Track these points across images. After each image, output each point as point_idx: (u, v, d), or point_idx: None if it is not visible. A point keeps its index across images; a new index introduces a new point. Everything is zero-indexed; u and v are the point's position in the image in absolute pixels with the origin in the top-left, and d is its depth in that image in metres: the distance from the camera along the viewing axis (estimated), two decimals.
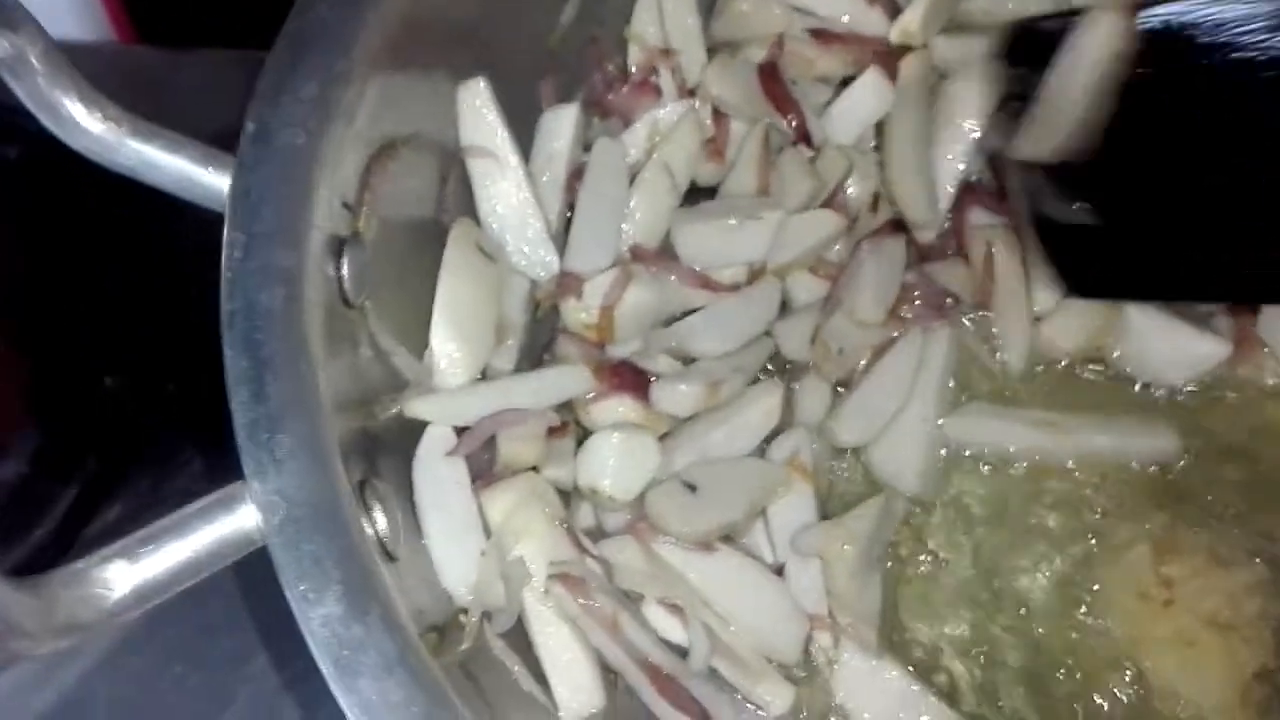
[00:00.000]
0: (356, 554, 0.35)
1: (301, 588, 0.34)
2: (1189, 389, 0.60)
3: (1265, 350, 0.60)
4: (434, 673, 0.34)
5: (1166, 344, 0.59)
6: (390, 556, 0.39)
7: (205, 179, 0.42)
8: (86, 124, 0.42)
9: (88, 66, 0.47)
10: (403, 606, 0.36)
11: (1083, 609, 0.56)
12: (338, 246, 0.44)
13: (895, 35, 0.64)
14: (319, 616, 0.34)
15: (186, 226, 0.75)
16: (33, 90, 0.41)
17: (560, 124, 0.61)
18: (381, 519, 0.40)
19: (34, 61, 0.40)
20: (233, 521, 0.35)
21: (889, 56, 0.64)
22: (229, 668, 0.63)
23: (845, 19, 0.65)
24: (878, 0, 0.65)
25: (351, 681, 0.33)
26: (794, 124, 0.63)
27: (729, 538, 0.55)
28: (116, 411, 0.72)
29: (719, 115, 0.64)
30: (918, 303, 0.61)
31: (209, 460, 0.70)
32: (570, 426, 0.55)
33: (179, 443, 0.72)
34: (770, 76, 0.64)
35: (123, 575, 0.33)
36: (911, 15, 0.63)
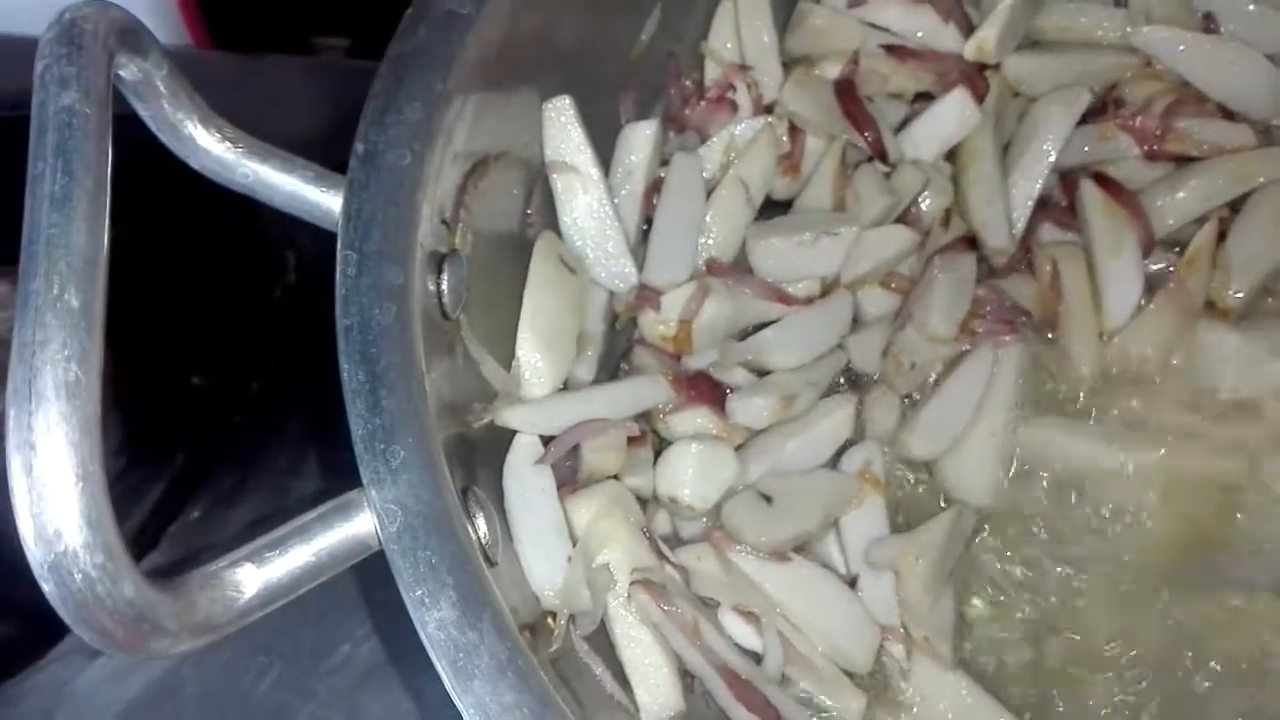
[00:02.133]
0: (467, 560, 0.37)
1: (418, 593, 0.36)
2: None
3: None
4: (541, 676, 0.36)
5: (1239, 362, 0.60)
6: (491, 561, 0.41)
7: (317, 198, 0.44)
8: (206, 145, 0.44)
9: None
10: (508, 610, 0.38)
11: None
12: (438, 262, 0.46)
13: (970, 52, 0.65)
14: (435, 620, 0.35)
15: (273, 234, 0.78)
16: (157, 112, 0.43)
17: (639, 139, 0.62)
18: (483, 525, 0.42)
19: (159, 85, 0.42)
20: (351, 528, 0.37)
21: (974, 77, 0.65)
22: (310, 661, 0.66)
23: (920, 35, 0.66)
24: (952, 17, 0.66)
25: (467, 683, 0.35)
26: (870, 140, 0.64)
27: (803, 548, 0.56)
28: (203, 409, 0.74)
29: (795, 131, 0.65)
30: (988, 318, 0.61)
31: (291, 458, 0.72)
32: (648, 436, 0.57)
33: (262, 440, 0.74)
34: (847, 93, 0.65)
35: (251, 578, 0.35)
36: (987, 32, 0.64)
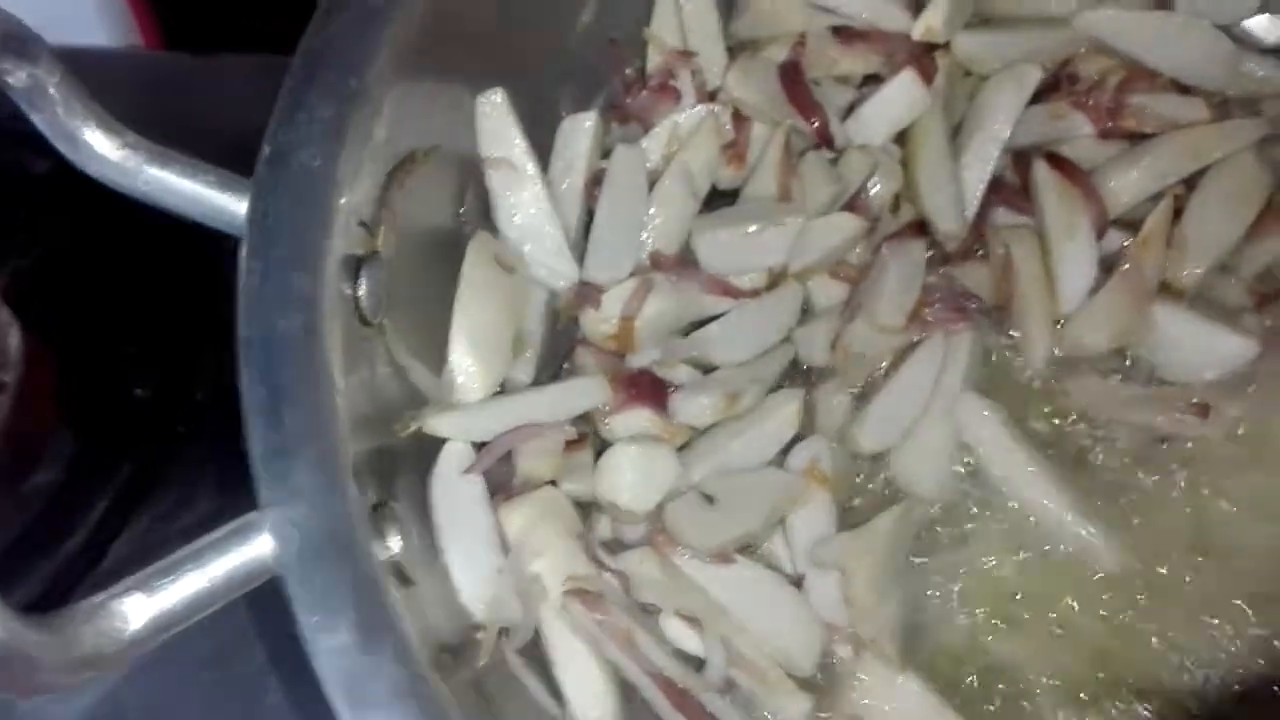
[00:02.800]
0: (371, 583, 0.36)
1: (315, 618, 0.34)
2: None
3: None
4: (445, 702, 0.35)
5: (1193, 342, 0.58)
6: (407, 580, 0.40)
7: (222, 203, 0.43)
8: (104, 152, 0.42)
9: (114, 73, 0.47)
10: (415, 633, 0.36)
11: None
12: (355, 266, 0.45)
13: (918, 32, 0.63)
14: (330, 647, 0.34)
15: (220, 240, 0.76)
16: (51, 120, 0.41)
17: (578, 131, 0.61)
18: (398, 542, 0.40)
19: (52, 92, 0.41)
20: (248, 551, 0.36)
21: (923, 57, 0.63)
22: (260, 674, 0.64)
23: (866, 15, 0.64)
24: None
25: (363, 712, 0.33)
26: (816, 126, 0.62)
27: (748, 548, 0.55)
28: (148, 420, 0.73)
29: (740, 118, 0.64)
30: (939, 306, 0.60)
31: (240, 468, 0.71)
32: (588, 439, 0.55)
33: (209, 449, 0.73)
34: (792, 77, 0.64)
35: (140, 607, 0.34)
36: (934, 11, 0.62)
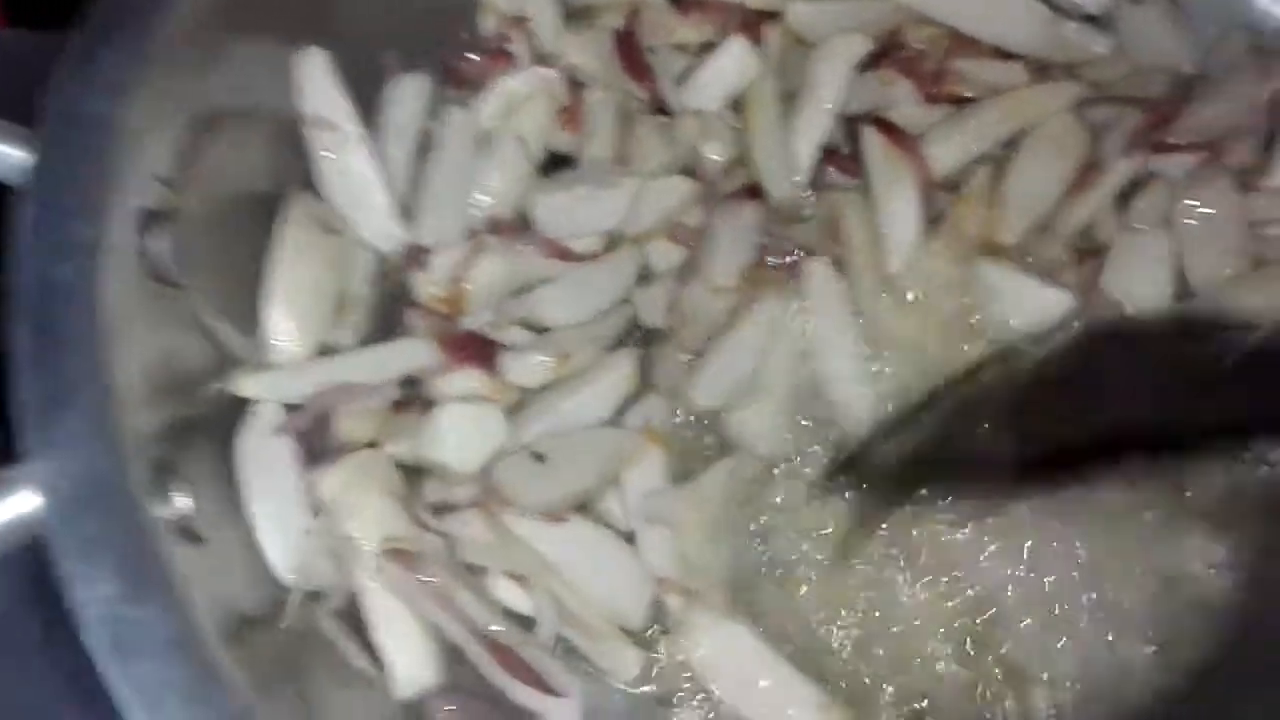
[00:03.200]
0: (142, 536, 0.34)
1: (78, 567, 0.33)
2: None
3: (1113, 302, 0.60)
4: (215, 652, 0.33)
5: (1015, 296, 0.60)
6: (196, 538, 0.39)
7: (3, 152, 0.41)
8: None
9: None
10: (201, 591, 0.35)
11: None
12: (152, 221, 0.43)
13: (752, 0, 0.64)
14: (96, 598, 0.33)
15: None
16: None
17: (408, 94, 0.60)
18: (184, 501, 0.39)
19: None
20: (12, 505, 0.34)
21: (753, 24, 0.64)
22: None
23: None
24: None
25: (129, 662, 0.32)
26: (649, 91, 0.62)
27: (583, 507, 0.54)
28: None
29: (575, 84, 0.63)
30: (771, 265, 0.60)
31: None
32: (417, 401, 0.54)
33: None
34: (626, 44, 0.64)
35: None
36: None
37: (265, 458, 0.46)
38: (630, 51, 0.63)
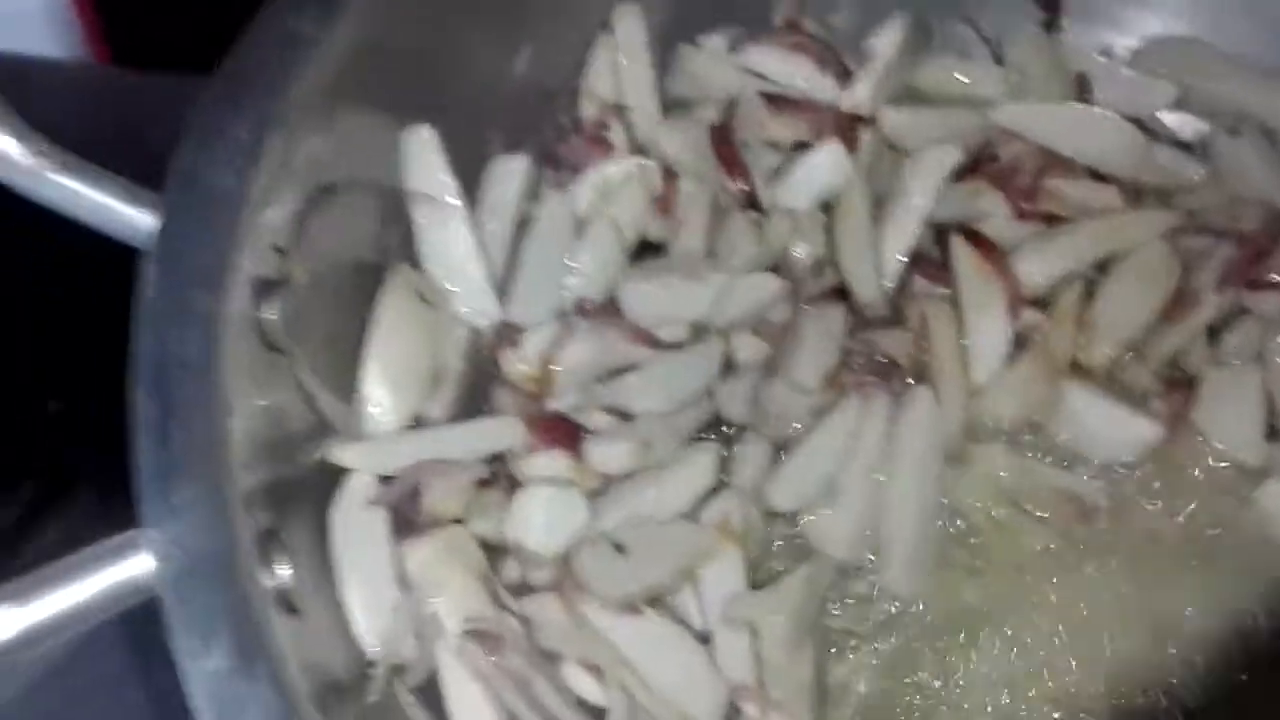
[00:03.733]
0: (250, 609, 0.34)
1: (190, 641, 0.33)
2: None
3: (1199, 438, 0.60)
4: None
5: (1101, 422, 0.59)
6: (294, 610, 0.39)
7: (129, 215, 0.42)
8: (13, 157, 0.41)
9: (62, 86, 0.46)
10: (295, 662, 0.35)
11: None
12: (266, 290, 0.44)
13: (846, 104, 0.65)
14: (204, 671, 0.33)
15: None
16: None
17: (508, 173, 0.61)
18: (286, 570, 0.39)
19: None
20: (126, 569, 0.34)
21: (848, 128, 0.65)
22: (157, 703, 0.61)
23: (797, 84, 0.66)
24: (829, 67, 0.65)
25: None
26: (743, 188, 0.63)
27: (657, 601, 0.54)
28: (57, 437, 0.70)
29: (670, 173, 0.64)
30: (856, 370, 0.60)
31: None
32: (501, 479, 0.54)
33: (119, 470, 0.70)
34: (721, 138, 0.65)
35: (10, 618, 0.32)
36: (862, 85, 0.64)
37: (358, 529, 0.46)
38: (725, 146, 0.64)
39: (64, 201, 0.42)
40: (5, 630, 0.32)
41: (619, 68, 0.65)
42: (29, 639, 0.33)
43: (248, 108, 0.44)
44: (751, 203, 0.63)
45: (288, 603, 0.38)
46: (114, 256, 0.72)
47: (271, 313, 0.44)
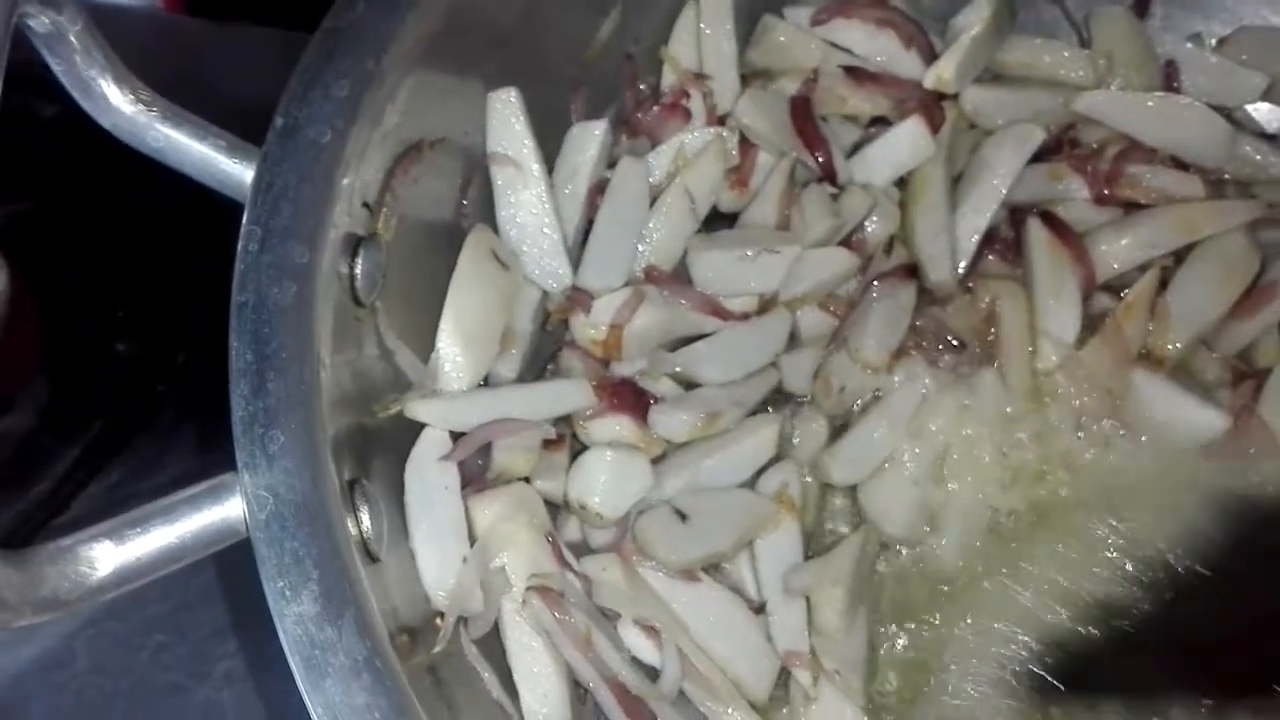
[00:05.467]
0: (338, 555, 0.36)
1: (280, 584, 0.35)
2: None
3: (1265, 429, 0.59)
4: (400, 679, 0.35)
5: (1168, 411, 0.59)
6: (372, 557, 0.40)
7: (229, 168, 0.43)
8: (118, 104, 0.42)
9: (130, 32, 0.47)
10: (377, 609, 0.36)
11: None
12: (354, 245, 0.45)
13: (930, 80, 0.64)
14: (293, 614, 0.34)
15: (216, 205, 0.76)
16: (69, 67, 0.41)
17: (587, 138, 0.61)
18: (367, 519, 0.40)
19: (72, 40, 0.41)
20: (220, 512, 0.36)
21: (929, 105, 0.65)
22: (210, 640, 0.64)
23: (880, 59, 0.66)
24: (915, 43, 0.65)
25: (319, 681, 0.33)
26: (821, 160, 0.63)
27: (714, 569, 0.55)
28: (126, 377, 0.72)
29: (746, 144, 0.64)
30: (923, 348, 0.61)
31: (218, 434, 0.71)
32: (566, 440, 0.55)
33: (185, 413, 0.72)
34: (801, 111, 0.64)
35: (107, 555, 0.34)
36: (947, 62, 0.64)
37: (431, 483, 0.47)
38: (804, 118, 0.64)
39: (168, 151, 0.43)
40: (102, 567, 0.34)
41: (702, 36, 0.65)
42: (124, 576, 0.35)
43: (347, 66, 0.45)
44: (828, 176, 0.63)
45: (368, 550, 0.40)
46: (191, 213, 0.74)
47: (358, 268, 0.45)
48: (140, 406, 0.72)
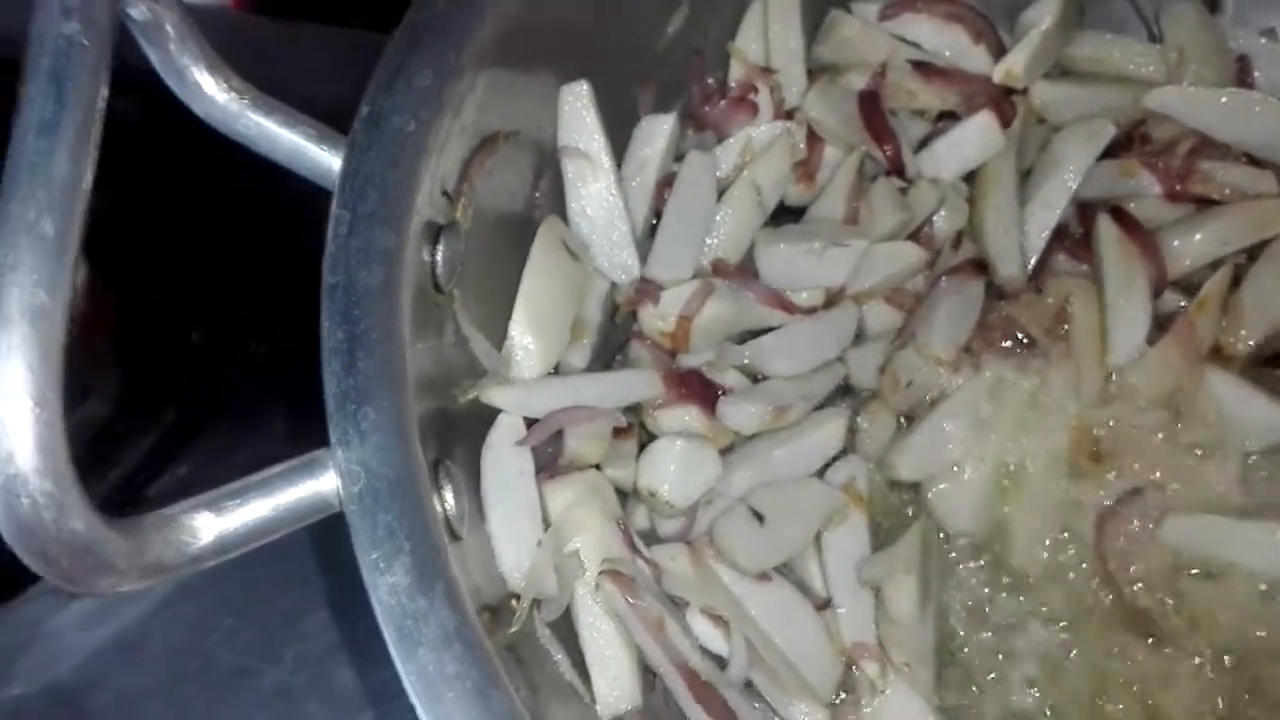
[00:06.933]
0: (428, 529, 0.36)
1: (373, 556, 0.35)
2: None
3: None
4: (489, 650, 0.35)
5: (1239, 409, 0.59)
6: (455, 535, 0.41)
7: (318, 156, 0.44)
8: (211, 92, 0.43)
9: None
10: (464, 584, 0.37)
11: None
12: (434, 233, 0.46)
13: (999, 75, 0.64)
14: (387, 585, 0.35)
15: (288, 197, 0.78)
16: (164, 56, 0.43)
17: (656, 131, 0.62)
18: (450, 499, 0.41)
19: (169, 29, 0.42)
20: (314, 485, 0.37)
21: (1001, 101, 0.65)
22: (281, 626, 0.65)
23: (949, 54, 0.66)
24: (984, 38, 0.65)
25: (411, 650, 0.34)
26: (889, 154, 0.63)
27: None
28: (200, 365, 0.74)
29: (814, 139, 0.65)
30: (992, 344, 0.60)
31: (287, 421, 0.72)
32: (634, 429, 0.56)
33: (259, 402, 0.74)
34: (870, 105, 0.65)
35: (208, 525, 0.35)
36: (1017, 57, 0.64)
37: (506, 468, 0.48)
38: (873, 112, 0.65)
39: (258, 139, 0.44)
40: (202, 536, 0.35)
41: (770, 30, 0.66)
42: (222, 546, 0.36)
43: (430, 57, 0.46)
44: (897, 170, 0.64)
45: (451, 529, 0.40)
46: (252, 200, 0.76)
47: (438, 255, 0.46)
48: (212, 395, 0.74)
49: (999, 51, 0.65)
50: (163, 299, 0.74)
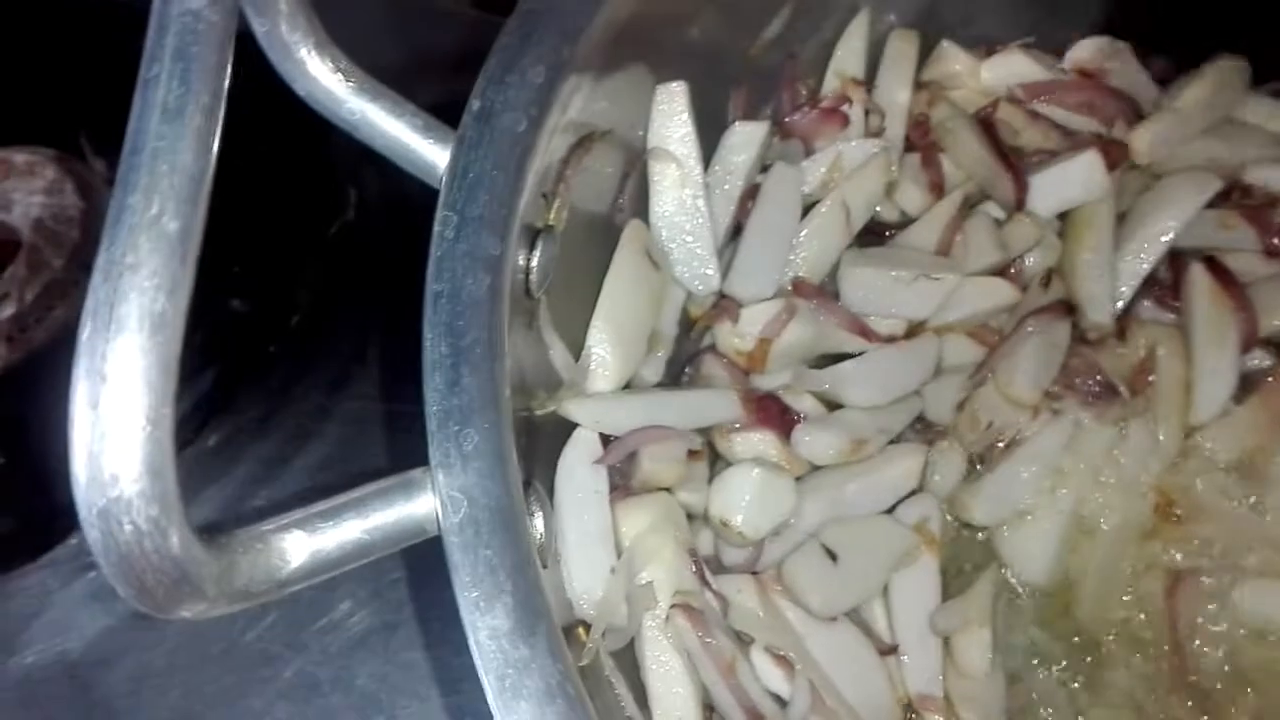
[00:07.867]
0: (529, 566, 0.34)
1: (473, 594, 0.33)
2: None
3: None
4: (589, 708, 0.33)
5: None
6: (543, 564, 0.39)
7: (423, 149, 0.41)
8: (316, 72, 0.41)
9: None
10: (559, 626, 0.35)
11: None
12: (532, 236, 0.43)
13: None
14: (488, 628, 0.33)
15: (339, 169, 0.75)
16: (272, 30, 0.40)
17: (745, 139, 0.60)
18: (540, 524, 0.39)
19: (280, 3, 0.39)
20: (410, 508, 0.34)
21: (1111, 144, 0.62)
22: (306, 615, 0.63)
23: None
24: (1117, 121, 0.63)
25: (513, 704, 0.32)
26: (1016, 185, 0.61)
27: None
28: (239, 335, 0.72)
29: (929, 155, 0.62)
30: (1075, 389, 0.58)
31: (320, 402, 0.70)
32: (705, 451, 0.54)
33: (294, 376, 0.71)
34: (991, 133, 0.62)
35: (299, 546, 0.33)
36: (1142, 135, 0.61)
37: (582, 486, 0.46)
38: (997, 140, 0.62)
39: (361, 125, 0.41)
40: (293, 558, 0.33)
41: (885, 59, 0.63)
42: (313, 569, 0.33)
43: (544, 50, 0.43)
44: (1019, 202, 0.61)
45: (542, 560, 0.38)
46: (310, 173, 0.73)
47: (534, 260, 0.43)
48: (250, 365, 0.71)
49: (1134, 121, 0.63)
50: (206, 263, 0.72)
